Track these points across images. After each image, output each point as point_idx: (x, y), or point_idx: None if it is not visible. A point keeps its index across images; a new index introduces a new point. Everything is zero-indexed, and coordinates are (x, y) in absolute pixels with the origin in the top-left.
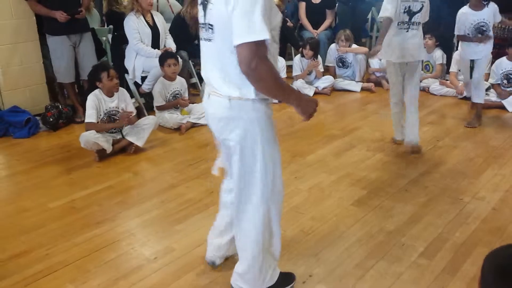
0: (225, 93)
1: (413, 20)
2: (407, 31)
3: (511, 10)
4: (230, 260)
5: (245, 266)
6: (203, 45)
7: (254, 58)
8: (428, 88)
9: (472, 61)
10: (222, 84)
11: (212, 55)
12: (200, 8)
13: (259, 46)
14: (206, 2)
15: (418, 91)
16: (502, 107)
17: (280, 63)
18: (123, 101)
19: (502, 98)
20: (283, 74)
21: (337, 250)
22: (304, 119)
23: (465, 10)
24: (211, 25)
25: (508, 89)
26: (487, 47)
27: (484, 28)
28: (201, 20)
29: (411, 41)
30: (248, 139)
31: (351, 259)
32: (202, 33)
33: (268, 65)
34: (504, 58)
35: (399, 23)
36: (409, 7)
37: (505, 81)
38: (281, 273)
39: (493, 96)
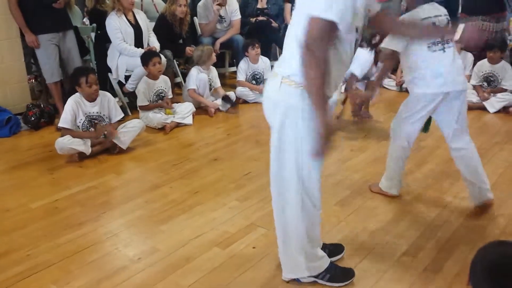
0: (279, 73)
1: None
2: (444, 51)
3: (492, 12)
4: (209, 261)
5: (280, 248)
6: None
7: (317, 37)
8: None
9: None
10: (281, 63)
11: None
12: None
13: (327, 27)
14: None
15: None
16: (483, 108)
17: (264, 63)
18: (106, 108)
19: (483, 99)
20: (267, 74)
21: None
22: (313, 151)
23: None
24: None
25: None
26: None
27: None
28: None
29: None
30: (286, 126)
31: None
32: None
33: (320, 56)
34: (485, 61)
35: (431, 45)
36: (434, 23)
37: (485, 83)
38: (337, 267)
39: (474, 98)
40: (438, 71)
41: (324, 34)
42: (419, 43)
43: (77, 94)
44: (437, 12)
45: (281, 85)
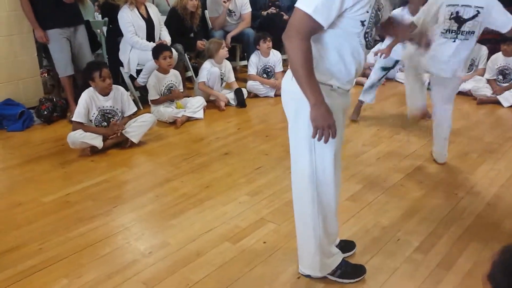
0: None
1: (462, 28)
2: (454, 41)
3: (506, 6)
4: (220, 256)
5: (298, 242)
6: None
7: (292, 28)
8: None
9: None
10: None
11: None
12: None
13: (304, 20)
14: None
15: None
16: (497, 102)
17: (276, 56)
18: (119, 102)
19: (497, 93)
20: (278, 68)
21: None
22: (312, 134)
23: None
24: None
25: (503, 84)
26: None
27: None
28: None
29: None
30: (299, 117)
31: None
32: None
33: (298, 46)
34: (499, 54)
35: (444, 31)
36: (457, 12)
37: (500, 77)
38: (348, 264)
39: (488, 92)
40: (441, 58)
41: (297, 26)
42: (435, 28)
43: (90, 88)
44: (468, 2)
45: (292, 77)
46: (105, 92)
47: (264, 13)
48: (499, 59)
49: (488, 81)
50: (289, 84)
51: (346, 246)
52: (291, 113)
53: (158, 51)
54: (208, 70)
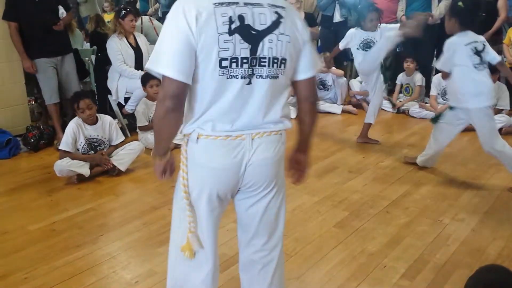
0: (280, 128)
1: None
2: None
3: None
4: None
5: None
6: (254, 84)
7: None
8: (408, 110)
9: None
10: (278, 120)
11: (274, 92)
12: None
13: None
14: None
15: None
16: None
17: None
18: (106, 131)
19: None
20: None
21: (319, 272)
22: None
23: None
24: (284, 59)
25: None
26: None
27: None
28: (258, 54)
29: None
30: (281, 176)
31: (333, 281)
32: (253, 70)
33: None
34: None
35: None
36: (476, 48)
37: None
38: None
39: None
40: None
41: None
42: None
43: (77, 118)
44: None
45: (282, 136)
46: (90, 122)
47: None
48: None
49: None
50: (283, 145)
51: None
52: (280, 177)
53: (146, 79)
54: None
